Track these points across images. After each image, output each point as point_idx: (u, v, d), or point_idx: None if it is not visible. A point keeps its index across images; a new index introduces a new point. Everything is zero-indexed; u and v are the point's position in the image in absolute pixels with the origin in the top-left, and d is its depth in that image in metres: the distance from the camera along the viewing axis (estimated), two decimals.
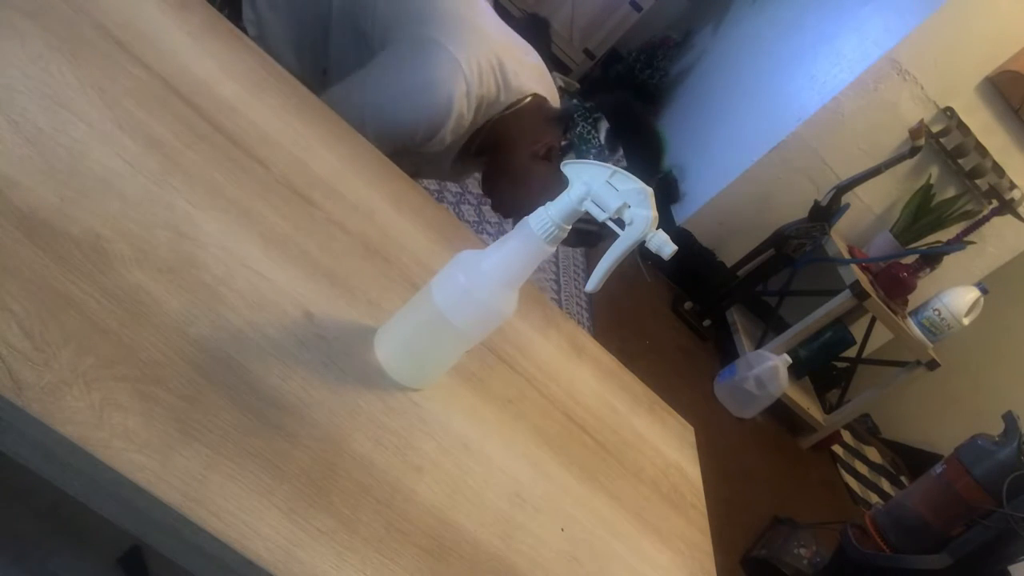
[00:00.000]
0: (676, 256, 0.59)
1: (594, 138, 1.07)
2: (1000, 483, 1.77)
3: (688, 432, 1.14)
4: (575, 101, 1.15)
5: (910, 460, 3.96)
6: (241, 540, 0.45)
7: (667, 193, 3.57)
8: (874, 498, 3.42)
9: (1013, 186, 3.28)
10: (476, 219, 2.50)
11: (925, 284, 3.06)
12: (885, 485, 3.65)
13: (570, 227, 0.59)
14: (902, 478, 3.86)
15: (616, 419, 0.97)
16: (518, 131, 1.11)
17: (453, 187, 2.52)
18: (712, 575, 0.88)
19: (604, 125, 1.07)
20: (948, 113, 3.14)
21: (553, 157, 1.09)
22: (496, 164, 1.16)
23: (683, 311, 3.35)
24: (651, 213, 0.57)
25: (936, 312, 2.86)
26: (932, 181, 3.24)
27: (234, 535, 0.45)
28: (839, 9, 3.31)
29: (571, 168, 0.58)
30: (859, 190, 3.12)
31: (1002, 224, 3.33)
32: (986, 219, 3.16)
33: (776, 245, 3.06)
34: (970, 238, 3.12)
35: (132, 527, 0.47)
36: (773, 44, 3.67)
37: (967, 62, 3.08)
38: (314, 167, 0.81)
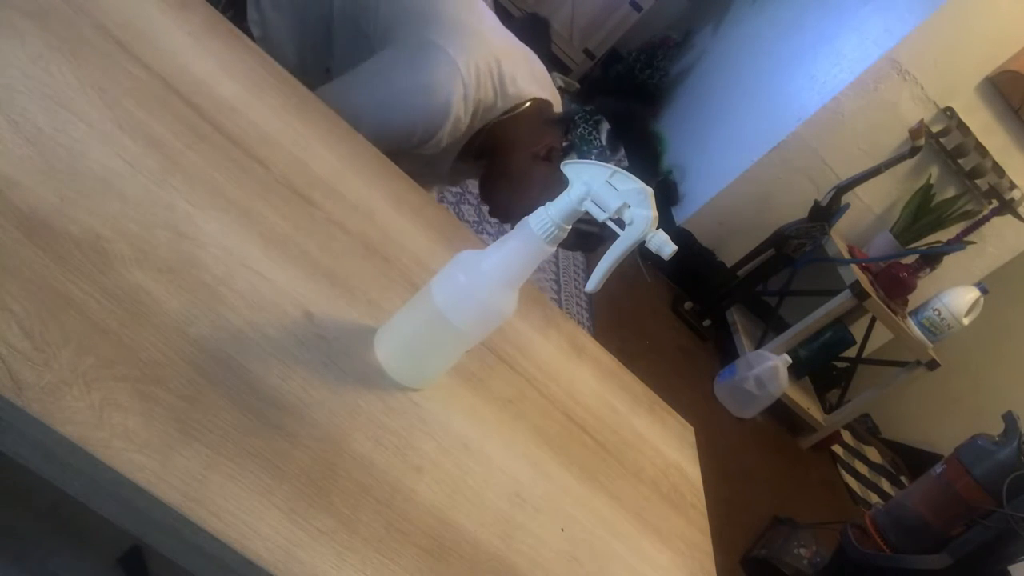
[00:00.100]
0: (676, 256, 0.59)
1: (595, 139, 1.07)
2: (1000, 483, 1.77)
3: (688, 432, 1.14)
4: (574, 105, 1.15)
5: (910, 460, 3.96)
6: (241, 540, 0.45)
7: (666, 195, 3.57)
8: (874, 498, 3.42)
9: (1013, 186, 3.28)
10: (476, 219, 2.50)
11: (925, 284, 3.06)
12: (885, 485, 3.65)
13: (570, 227, 0.59)
14: (902, 478, 3.86)
15: (616, 419, 0.97)
16: (517, 134, 1.11)
17: (453, 187, 2.52)
18: (712, 575, 0.88)
19: (605, 126, 1.07)
20: (948, 113, 3.14)
21: (554, 158, 1.09)
22: (494, 167, 1.16)
23: (683, 311, 3.35)
24: (651, 213, 0.57)
25: (936, 312, 2.87)
26: (932, 181, 3.24)
27: (234, 535, 0.45)
28: (839, 9, 3.31)
29: (571, 168, 0.58)
30: (859, 190, 3.12)
31: (1002, 224, 3.33)
32: (986, 219, 3.16)
33: (776, 245, 3.06)
34: (970, 238, 3.12)
35: (132, 527, 0.47)
36: (773, 44, 3.67)
37: (967, 62, 3.08)
38: (314, 167, 0.81)
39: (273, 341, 0.59)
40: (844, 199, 2.97)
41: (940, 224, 3.16)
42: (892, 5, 3.06)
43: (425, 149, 1.05)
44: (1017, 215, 3.29)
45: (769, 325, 3.28)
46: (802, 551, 2.22)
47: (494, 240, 0.66)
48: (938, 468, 1.94)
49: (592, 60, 4.35)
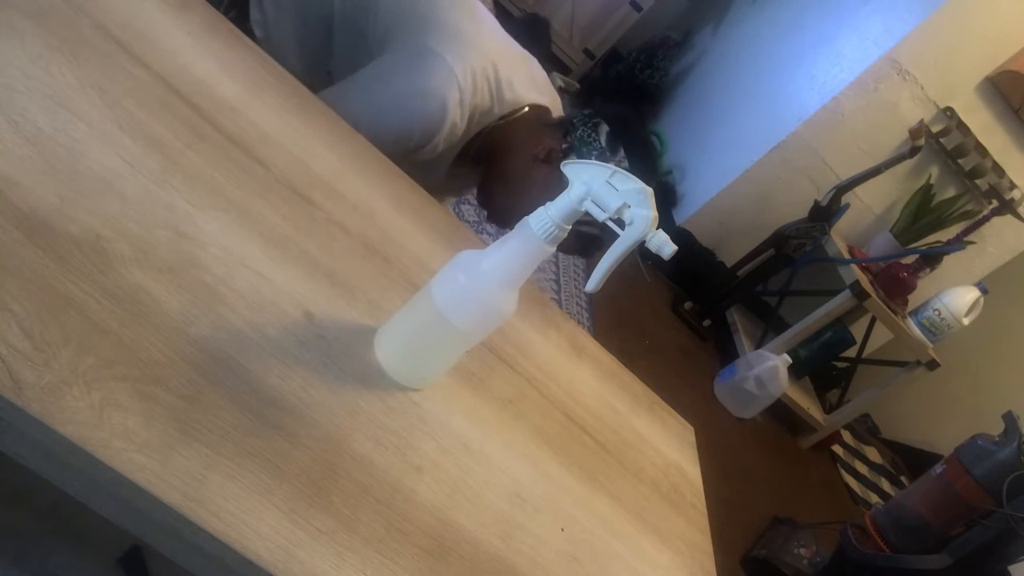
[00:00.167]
0: (676, 256, 0.59)
1: (595, 141, 1.07)
2: (1000, 483, 1.77)
3: (688, 432, 1.14)
4: (573, 109, 1.15)
5: (910, 460, 3.96)
6: (241, 540, 0.45)
7: (665, 197, 3.58)
8: (874, 498, 3.42)
9: (1013, 186, 3.28)
10: (476, 219, 2.50)
11: (925, 284, 3.06)
12: (885, 485, 3.65)
13: (570, 227, 0.59)
14: (902, 478, 3.86)
15: (616, 419, 0.97)
16: (514, 138, 1.11)
17: (460, 199, 2.52)
18: (712, 575, 0.88)
19: (604, 128, 1.07)
20: (948, 113, 3.14)
21: (553, 159, 1.09)
22: (492, 171, 1.16)
23: (683, 311, 3.35)
24: (651, 213, 0.57)
25: (936, 312, 2.87)
26: (932, 181, 3.25)
27: (234, 535, 0.45)
28: (839, 9, 3.31)
29: (571, 168, 0.58)
30: (859, 190, 3.12)
31: (1002, 224, 3.33)
32: (986, 219, 3.16)
33: (776, 245, 3.06)
34: (970, 238, 3.12)
35: (132, 527, 0.47)
36: (773, 44, 3.67)
37: (967, 62, 3.08)
38: (314, 167, 0.81)
39: (273, 341, 0.59)
40: (844, 199, 2.97)
41: (940, 224, 3.16)
42: (892, 5, 3.06)
43: (422, 154, 1.06)
44: (1017, 215, 3.29)
45: (769, 325, 3.28)
46: (802, 551, 2.22)
47: (494, 240, 0.66)
48: (938, 468, 1.94)
49: (592, 60, 4.35)
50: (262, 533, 0.47)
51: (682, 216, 3.51)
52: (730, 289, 3.33)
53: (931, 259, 3.00)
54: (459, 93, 1.01)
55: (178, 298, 0.55)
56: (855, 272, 2.89)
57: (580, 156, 1.07)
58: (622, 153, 1.08)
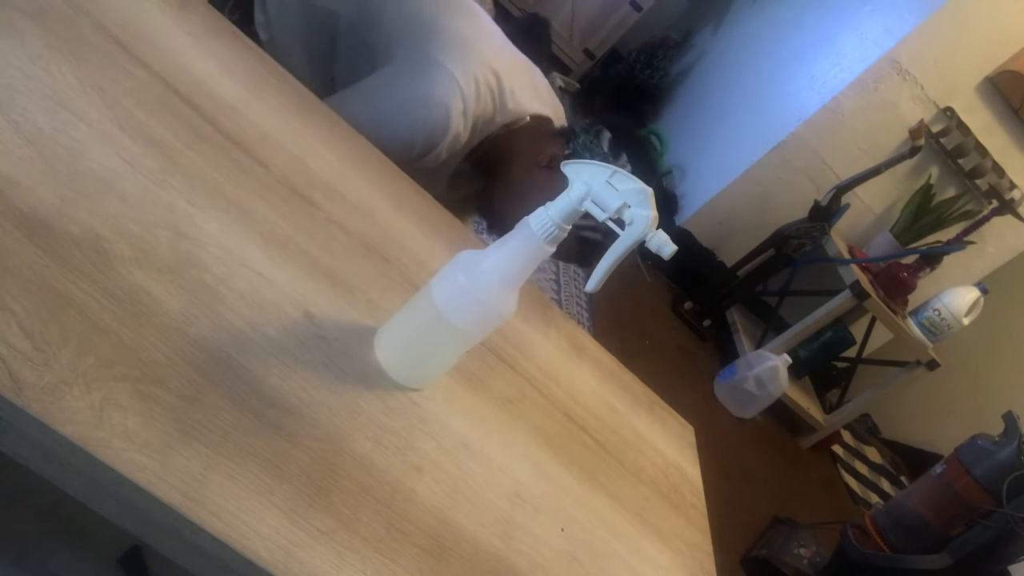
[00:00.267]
0: (676, 256, 0.59)
1: (597, 147, 1.08)
2: (1000, 483, 1.77)
3: (688, 432, 1.14)
4: (575, 119, 1.16)
5: (910, 460, 3.96)
6: (241, 540, 0.45)
7: (666, 204, 3.58)
8: (874, 498, 3.42)
9: (1013, 186, 3.28)
10: (476, 219, 2.50)
11: (925, 284, 3.06)
12: (885, 485, 3.65)
13: (570, 227, 0.59)
14: (902, 478, 3.86)
15: (616, 419, 0.97)
16: (518, 146, 1.11)
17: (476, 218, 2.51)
18: (712, 575, 0.88)
19: (606, 135, 1.07)
20: (948, 113, 3.14)
21: (555, 165, 1.09)
22: (495, 179, 1.16)
23: (683, 311, 3.35)
24: (651, 213, 0.57)
25: (936, 312, 2.86)
26: (932, 181, 3.25)
27: (234, 535, 0.45)
28: (839, 9, 3.31)
29: (571, 168, 0.58)
30: (859, 190, 3.12)
31: (1002, 224, 3.33)
32: (986, 219, 3.16)
33: (776, 245, 3.06)
34: (970, 238, 3.12)
35: (132, 527, 0.47)
36: (773, 44, 3.67)
37: (967, 62, 3.08)
38: (314, 167, 0.81)
39: (273, 341, 0.59)
40: (844, 199, 2.97)
41: (940, 224, 3.16)
42: (892, 5, 3.06)
43: (425, 162, 1.06)
44: (1017, 215, 3.29)
45: (769, 325, 3.28)
46: (802, 551, 2.22)
47: (494, 240, 0.66)
48: (938, 468, 1.94)
49: (592, 60, 4.35)
50: (262, 533, 0.47)
51: (682, 216, 3.51)
52: (730, 289, 3.33)
53: (931, 259, 3.00)
54: (462, 102, 1.02)
55: (178, 298, 0.55)
56: (855, 272, 2.89)
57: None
58: (624, 158, 1.08)
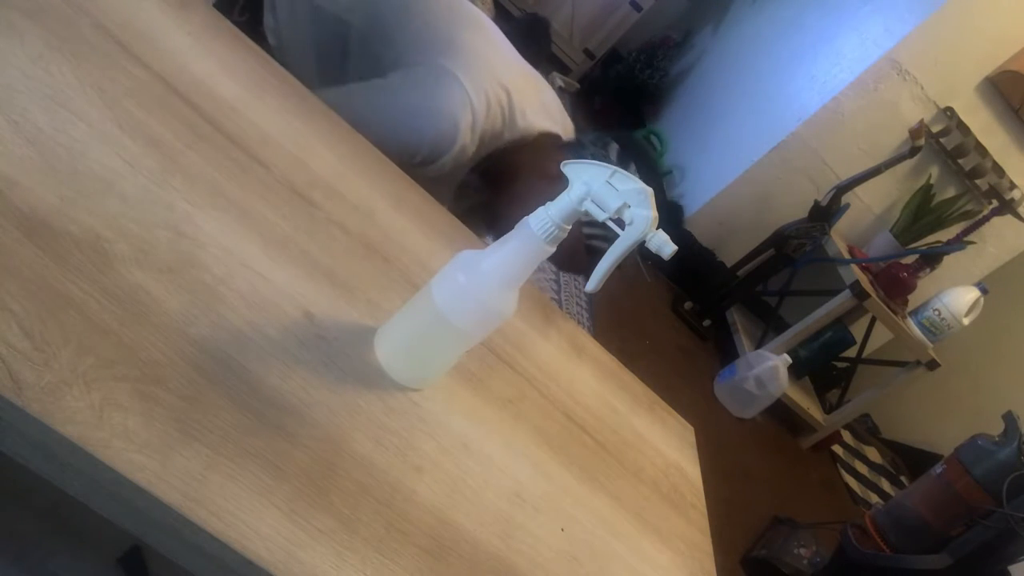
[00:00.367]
0: (676, 256, 0.59)
1: (605, 160, 1.08)
2: (1000, 483, 1.77)
3: (688, 432, 1.14)
4: (583, 134, 1.16)
5: (910, 460, 3.96)
6: (241, 540, 0.45)
7: (671, 216, 3.57)
8: (874, 498, 3.42)
9: (1013, 186, 3.28)
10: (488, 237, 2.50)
11: (925, 284, 3.06)
12: (885, 485, 3.65)
13: (570, 227, 0.59)
14: (902, 478, 3.86)
15: (616, 419, 0.97)
16: (525, 160, 1.12)
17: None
18: (712, 575, 0.88)
19: (615, 147, 1.07)
20: (948, 113, 3.14)
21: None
22: (503, 192, 1.16)
23: (683, 311, 3.35)
24: (651, 213, 0.57)
25: (936, 312, 2.86)
26: (932, 181, 3.24)
27: (234, 535, 0.45)
28: (839, 9, 3.31)
29: (571, 168, 0.58)
30: (859, 190, 3.12)
31: (1002, 224, 3.33)
32: (986, 219, 3.16)
33: (776, 245, 3.06)
34: (970, 238, 3.12)
35: (132, 527, 0.47)
36: (773, 44, 3.67)
37: (967, 62, 3.08)
38: (314, 167, 0.81)
39: (273, 341, 0.59)
40: (844, 199, 2.97)
41: (940, 224, 3.16)
42: (892, 5, 3.06)
43: (427, 171, 1.06)
44: (1017, 215, 3.29)
45: (769, 325, 3.28)
46: (802, 551, 2.22)
47: (494, 240, 0.66)
48: (938, 468, 1.94)
49: (592, 60, 4.35)
50: (262, 533, 0.47)
51: (682, 216, 3.51)
52: (730, 289, 3.33)
53: (931, 259, 3.00)
54: (472, 117, 1.02)
55: (178, 298, 0.55)
56: (855, 272, 2.89)
57: None
58: (633, 168, 1.08)
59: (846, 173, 3.10)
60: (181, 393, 0.49)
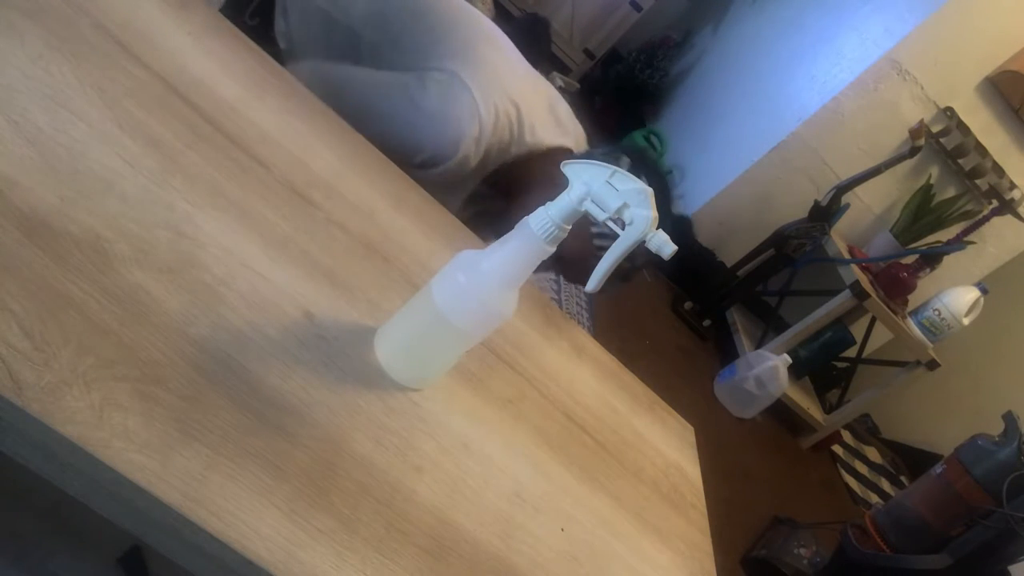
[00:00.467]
0: (676, 256, 0.59)
1: None
2: (1000, 483, 1.77)
3: (688, 432, 1.14)
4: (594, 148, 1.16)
5: (910, 460, 3.96)
6: (241, 540, 0.45)
7: (677, 228, 3.56)
8: (874, 498, 3.42)
9: (1013, 186, 3.28)
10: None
11: (925, 284, 3.06)
12: (885, 485, 3.65)
13: (570, 227, 0.59)
14: (902, 478, 3.86)
15: (616, 419, 0.97)
16: (535, 172, 1.12)
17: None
18: (712, 575, 0.88)
19: (626, 161, 1.07)
20: (948, 113, 3.14)
21: None
22: (513, 204, 1.16)
23: (683, 311, 3.35)
24: (651, 213, 0.57)
25: (936, 312, 2.86)
26: (932, 181, 3.24)
27: (234, 535, 0.45)
28: (839, 9, 3.31)
29: (571, 168, 0.58)
30: (859, 190, 3.12)
31: (1002, 224, 3.33)
32: (986, 219, 3.16)
33: (776, 245, 3.06)
34: (970, 238, 3.12)
35: (132, 527, 0.47)
36: (773, 44, 3.67)
37: (967, 62, 3.08)
38: (314, 167, 0.81)
39: (273, 341, 0.59)
40: (844, 199, 2.97)
41: (940, 224, 3.16)
42: (892, 5, 3.06)
43: (427, 174, 1.06)
44: (1017, 215, 3.29)
45: (769, 325, 3.28)
46: (802, 551, 2.22)
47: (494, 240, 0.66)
48: (938, 468, 1.94)
49: (592, 60, 4.35)
50: (262, 533, 0.47)
51: (677, 206, 3.51)
52: (730, 289, 3.33)
53: (931, 259, 3.00)
54: (479, 129, 1.02)
55: (178, 298, 0.55)
56: (855, 272, 2.89)
57: None
58: (644, 181, 1.09)
59: (846, 173, 3.10)
60: (181, 393, 0.49)
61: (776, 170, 3.27)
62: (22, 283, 0.47)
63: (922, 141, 2.83)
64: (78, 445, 0.42)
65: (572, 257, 1.04)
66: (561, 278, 2.71)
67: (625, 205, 0.57)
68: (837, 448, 3.50)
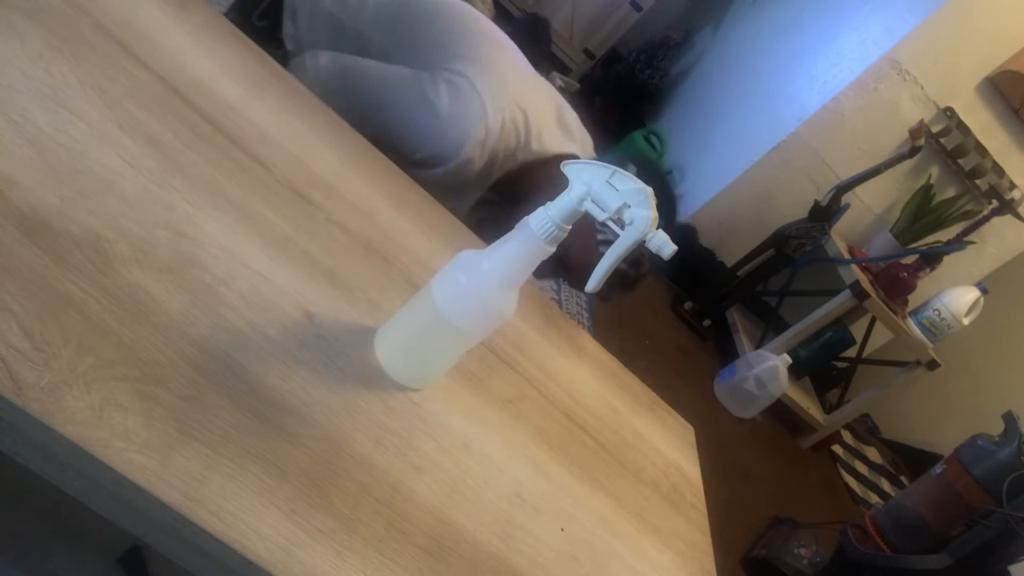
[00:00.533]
0: (676, 256, 0.59)
1: None
2: (1000, 483, 1.77)
3: (688, 432, 1.14)
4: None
5: (910, 460, 3.96)
6: (241, 540, 0.45)
7: (683, 240, 3.57)
8: (874, 498, 3.42)
9: (1013, 186, 3.28)
10: None
11: (925, 284, 3.06)
12: (885, 485, 3.65)
13: (570, 227, 0.59)
14: (902, 478, 3.86)
15: (616, 419, 0.97)
16: (542, 178, 1.12)
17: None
18: (712, 575, 0.88)
19: (632, 168, 1.08)
20: (948, 113, 3.14)
21: None
22: (520, 210, 1.16)
23: (683, 311, 3.35)
24: (651, 213, 0.57)
25: (936, 312, 2.86)
26: (932, 181, 3.24)
27: (234, 535, 0.45)
28: (839, 9, 3.31)
29: (571, 168, 0.58)
30: (859, 190, 3.12)
31: (1002, 224, 3.33)
32: (986, 219, 3.16)
33: (776, 245, 3.06)
34: (970, 238, 3.12)
35: (132, 527, 0.47)
36: (773, 44, 3.67)
37: (967, 62, 3.08)
38: (314, 167, 0.81)
39: (273, 341, 0.59)
40: (844, 199, 2.97)
41: (940, 224, 3.16)
42: (892, 5, 3.06)
43: (427, 174, 1.05)
44: (1017, 215, 3.29)
45: (769, 325, 3.28)
46: (802, 551, 2.22)
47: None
48: (938, 468, 1.94)
49: (592, 60, 4.35)
50: (262, 533, 0.47)
51: (682, 216, 3.51)
52: (730, 289, 3.33)
53: (931, 259, 3.00)
54: (484, 133, 1.02)
55: (178, 298, 0.55)
56: (855, 272, 2.89)
57: None
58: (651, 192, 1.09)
59: (846, 173, 3.10)
60: (181, 393, 0.49)
61: (776, 170, 3.27)
62: (22, 283, 0.47)
63: (922, 141, 2.83)
64: (78, 445, 0.42)
65: (578, 265, 1.04)
66: (561, 279, 2.70)
67: (625, 205, 0.57)
68: (837, 448, 3.50)
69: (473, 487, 0.65)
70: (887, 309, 2.86)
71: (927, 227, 3.14)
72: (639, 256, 1.04)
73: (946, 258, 3.06)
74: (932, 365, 2.96)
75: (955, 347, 3.16)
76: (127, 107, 0.65)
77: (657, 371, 2.65)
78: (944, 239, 3.17)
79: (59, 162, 0.55)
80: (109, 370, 0.47)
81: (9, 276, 0.46)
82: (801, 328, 2.98)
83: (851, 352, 3.30)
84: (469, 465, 0.67)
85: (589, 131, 1.24)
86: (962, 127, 3.16)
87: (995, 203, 3.30)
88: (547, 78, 1.25)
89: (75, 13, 0.69)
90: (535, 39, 3.50)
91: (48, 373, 0.43)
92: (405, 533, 0.56)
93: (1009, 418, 1.89)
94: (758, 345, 3.14)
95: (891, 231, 3.18)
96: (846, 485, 3.34)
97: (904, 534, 1.95)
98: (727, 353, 3.27)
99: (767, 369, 2.80)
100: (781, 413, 3.13)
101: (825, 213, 2.97)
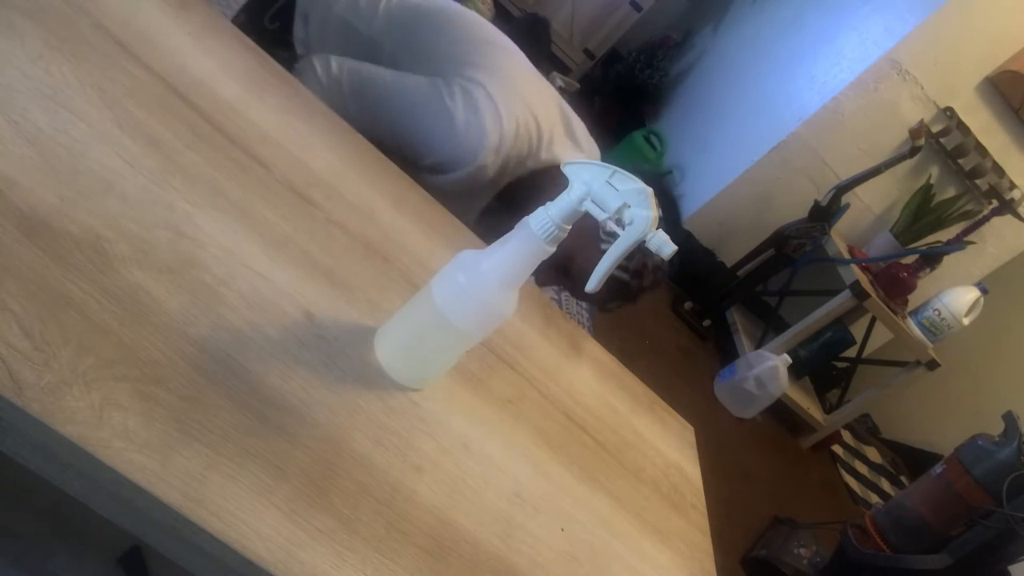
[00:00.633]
0: (676, 256, 0.59)
1: None
2: (1000, 483, 1.77)
3: (688, 432, 1.14)
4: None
5: (910, 460, 3.96)
6: (241, 540, 0.45)
7: (687, 244, 3.56)
8: (874, 498, 3.42)
9: (1013, 186, 3.28)
10: None
11: (925, 284, 3.06)
12: (885, 485, 3.65)
13: (570, 227, 0.59)
14: (902, 478, 3.86)
15: (616, 419, 0.97)
16: (548, 185, 1.12)
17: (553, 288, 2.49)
18: (712, 575, 0.88)
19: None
20: (948, 113, 3.14)
21: None
22: (525, 213, 1.16)
23: (683, 311, 3.35)
24: (651, 213, 0.57)
25: (936, 312, 2.86)
26: (932, 181, 3.24)
27: (234, 535, 0.45)
28: (839, 9, 3.31)
29: (571, 168, 0.58)
30: (859, 190, 3.12)
31: (1002, 224, 3.33)
32: (986, 219, 3.16)
33: (776, 245, 3.06)
34: (970, 238, 3.12)
35: (132, 527, 0.47)
36: (773, 44, 3.67)
37: (967, 62, 3.08)
38: (314, 167, 0.81)
39: (273, 341, 0.59)
40: (844, 199, 2.97)
41: (940, 224, 3.16)
42: (892, 5, 3.06)
43: (436, 180, 1.05)
44: (1017, 215, 3.29)
45: (769, 325, 3.28)
46: (802, 551, 2.22)
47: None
48: (938, 468, 1.94)
49: (592, 60, 4.35)
50: (262, 533, 0.47)
51: (682, 216, 3.51)
52: (730, 289, 3.33)
53: (931, 259, 3.00)
54: (499, 140, 1.02)
55: (178, 298, 0.55)
56: (855, 272, 2.89)
57: None
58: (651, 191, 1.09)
59: (846, 173, 3.10)
60: (181, 393, 0.49)
61: (776, 170, 3.27)
62: (22, 283, 0.47)
63: (922, 141, 2.83)
64: (78, 445, 0.42)
65: (580, 275, 1.04)
66: None
67: (625, 205, 0.57)
68: (837, 448, 3.50)
69: (473, 487, 0.65)
70: (887, 309, 2.86)
71: (927, 227, 3.15)
72: (641, 267, 1.04)
73: (946, 258, 3.06)
74: (932, 365, 2.96)
75: (955, 347, 3.16)
76: (127, 107, 0.65)
77: (657, 371, 2.65)
78: (944, 239, 3.17)
79: (59, 162, 0.55)
80: (109, 370, 0.47)
81: (9, 276, 0.46)
82: (801, 328, 2.98)
83: (851, 352, 3.30)
84: (469, 465, 0.67)
85: (589, 131, 1.24)
86: (962, 127, 3.16)
87: (995, 203, 3.30)
88: (547, 78, 1.25)
89: (75, 13, 0.69)
90: (535, 39, 3.50)
91: (48, 373, 0.43)
92: (405, 533, 0.56)
93: (1009, 418, 1.89)
94: (758, 345, 3.14)
95: (891, 231, 3.18)
96: (846, 485, 3.34)
97: (904, 534, 1.95)
98: (727, 353, 3.27)
99: (767, 369, 2.80)
100: (781, 413, 3.13)
101: (825, 213, 2.97)
